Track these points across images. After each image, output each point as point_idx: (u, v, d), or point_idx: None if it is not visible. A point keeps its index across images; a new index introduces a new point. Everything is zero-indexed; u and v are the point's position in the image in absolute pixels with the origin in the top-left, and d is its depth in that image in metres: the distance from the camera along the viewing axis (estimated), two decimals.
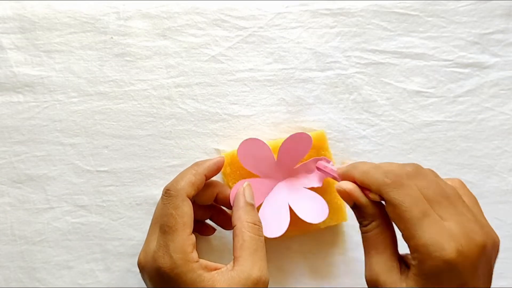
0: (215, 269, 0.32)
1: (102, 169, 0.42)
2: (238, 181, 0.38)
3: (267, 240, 0.36)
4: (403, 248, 0.31)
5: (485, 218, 0.31)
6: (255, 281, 0.31)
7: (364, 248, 0.32)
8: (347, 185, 0.32)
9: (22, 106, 0.42)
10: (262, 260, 0.32)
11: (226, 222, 0.39)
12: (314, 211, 0.39)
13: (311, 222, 0.38)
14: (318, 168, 0.38)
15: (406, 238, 0.29)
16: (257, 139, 0.37)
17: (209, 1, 0.43)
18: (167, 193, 0.33)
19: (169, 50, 0.43)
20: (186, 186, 0.33)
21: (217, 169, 0.36)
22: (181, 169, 0.42)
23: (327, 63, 0.43)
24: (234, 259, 0.32)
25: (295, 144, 0.38)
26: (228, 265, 0.32)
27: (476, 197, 0.33)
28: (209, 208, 0.39)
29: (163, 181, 0.42)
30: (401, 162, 0.32)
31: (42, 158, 0.42)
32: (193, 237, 0.32)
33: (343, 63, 0.43)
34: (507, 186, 0.43)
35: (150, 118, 0.42)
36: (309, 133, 0.38)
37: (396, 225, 0.30)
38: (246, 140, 0.37)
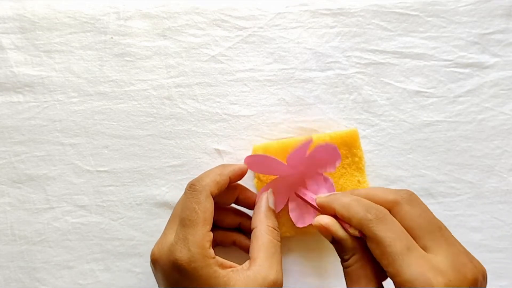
0: (230, 267, 0.32)
1: (102, 169, 0.42)
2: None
3: None
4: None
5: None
6: (272, 283, 0.31)
7: (346, 282, 0.31)
8: (324, 220, 0.31)
9: (22, 106, 0.42)
10: (279, 264, 0.32)
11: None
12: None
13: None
14: (297, 195, 0.37)
15: (391, 275, 0.28)
16: (260, 155, 0.37)
17: (209, 1, 0.43)
18: (192, 187, 0.33)
19: (169, 50, 0.43)
20: (211, 184, 0.33)
21: (241, 174, 0.36)
22: (181, 169, 0.42)
23: (327, 63, 0.43)
24: (250, 259, 0.32)
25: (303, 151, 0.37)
26: (244, 265, 0.32)
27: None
28: (233, 232, 0.39)
29: (163, 181, 0.42)
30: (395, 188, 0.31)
31: (42, 158, 0.42)
32: (211, 234, 0.32)
33: (343, 63, 0.43)
34: (507, 186, 0.43)
35: (150, 118, 0.42)
36: (342, 130, 0.39)
37: (380, 261, 0.29)
38: (249, 156, 0.37)
